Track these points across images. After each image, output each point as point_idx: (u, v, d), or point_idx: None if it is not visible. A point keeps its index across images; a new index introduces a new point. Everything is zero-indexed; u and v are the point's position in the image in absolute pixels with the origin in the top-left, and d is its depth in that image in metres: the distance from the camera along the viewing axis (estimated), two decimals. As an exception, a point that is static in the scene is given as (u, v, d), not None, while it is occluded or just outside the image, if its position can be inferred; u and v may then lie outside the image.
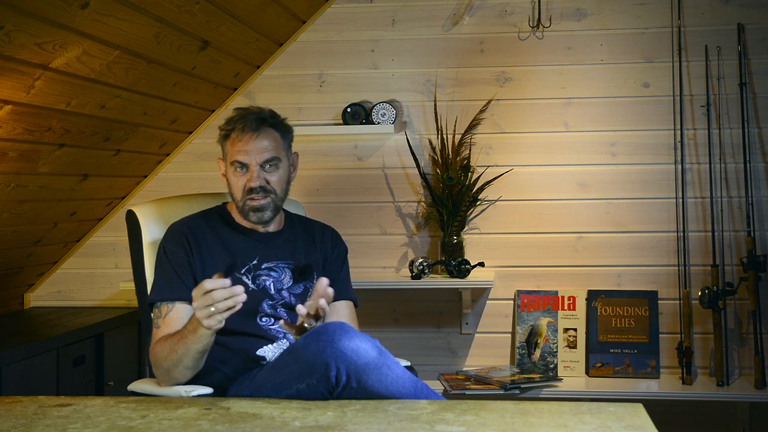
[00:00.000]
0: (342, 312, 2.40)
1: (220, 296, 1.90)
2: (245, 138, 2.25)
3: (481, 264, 3.35)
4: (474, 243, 3.45)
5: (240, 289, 1.91)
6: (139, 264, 2.41)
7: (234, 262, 2.09)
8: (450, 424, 1.64)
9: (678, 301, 3.34)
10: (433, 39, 3.47)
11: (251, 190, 2.26)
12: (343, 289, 2.42)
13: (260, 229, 2.36)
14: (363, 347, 1.85)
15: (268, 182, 2.27)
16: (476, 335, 3.50)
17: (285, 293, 2.29)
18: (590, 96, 3.42)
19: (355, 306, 2.47)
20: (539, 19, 3.41)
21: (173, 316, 2.20)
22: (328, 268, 2.43)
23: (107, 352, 3.23)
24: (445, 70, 3.48)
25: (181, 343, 2.06)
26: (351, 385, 1.84)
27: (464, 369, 3.44)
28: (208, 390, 2.12)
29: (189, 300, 2.22)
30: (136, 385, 2.25)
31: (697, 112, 3.36)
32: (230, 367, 2.18)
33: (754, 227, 3.26)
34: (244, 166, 2.26)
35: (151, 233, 2.42)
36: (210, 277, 2.24)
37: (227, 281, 1.91)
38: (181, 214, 2.43)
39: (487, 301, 3.49)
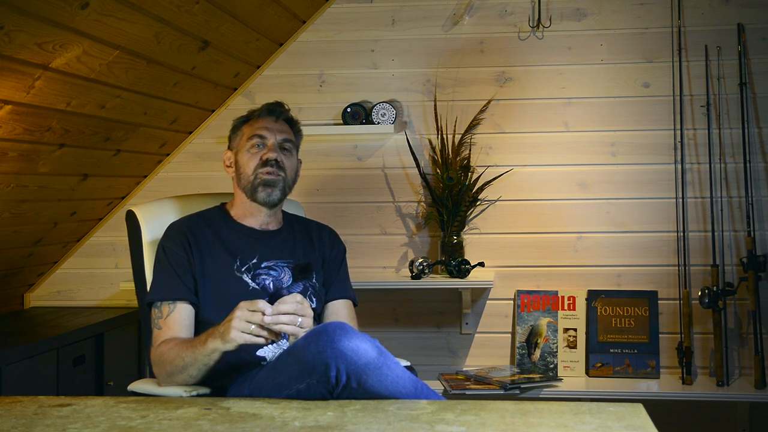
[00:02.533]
0: (341, 311, 2.41)
1: (259, 320, 1.94)
2: (269, 119, 2.39)
3: (481, 264, 3.35)
4: (474, 243, 3.45)
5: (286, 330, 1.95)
6: (139, 264, 2.41)
7: (276, 293, 2.05)
8: (450, 424, 1.64)
9: (678, 301, 3.34)
10: (433, 39, 3.47)
11: (267, 162, 2.32)
12: (341, 288, 2.44)
13: (258, 226, 2.37)
14: (363, 347, 1.85)
15: (282, 161, 2.34)
16: (476, 335, 3.50)
17: (285, 292, 2.29)
18: (590, 96, 3.42)
19: (355, 305, 2.47)
20: (539, 19, 3.41)
21: (175, 316, 2.21)
22: (327, 268, 2.44)
23: (107, 352, 3.23)
24: (445, 70, 3.47)
25: (188, 351, 2.07)
26: (351, 385, 1.84)
27: (464, 369, 3.44)
28: (208, 390, 2.12)
29: (190, 300, 2.24)
30: (136, 385, 2.25)
31: (697, 112, 3.36)
32: (230, 367, 2.18)
33: (754, 227, 3.26)
34: (263, 140, 2.34)
35: (151, 233, 2.42)
36: (209, 276, 2.26)
37: (281, 317, 1.95)
38: (181, 214, 2.44)
39: (487, 301, 3.49)
